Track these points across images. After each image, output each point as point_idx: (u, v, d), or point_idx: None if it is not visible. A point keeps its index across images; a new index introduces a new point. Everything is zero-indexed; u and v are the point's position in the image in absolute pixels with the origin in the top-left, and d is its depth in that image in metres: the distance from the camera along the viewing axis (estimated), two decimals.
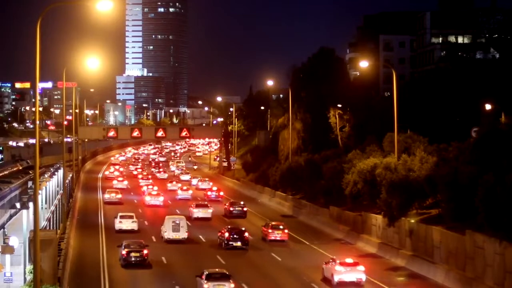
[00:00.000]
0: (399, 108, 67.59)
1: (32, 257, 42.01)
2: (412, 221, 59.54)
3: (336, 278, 52.56)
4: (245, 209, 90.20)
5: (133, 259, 57.97)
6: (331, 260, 54.63)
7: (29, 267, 44.68)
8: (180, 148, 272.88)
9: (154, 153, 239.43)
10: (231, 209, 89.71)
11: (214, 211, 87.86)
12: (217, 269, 51.72)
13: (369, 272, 54.92)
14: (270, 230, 72.48)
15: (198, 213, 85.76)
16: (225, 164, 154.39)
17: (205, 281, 48.52)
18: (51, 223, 62.51)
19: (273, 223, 75.07)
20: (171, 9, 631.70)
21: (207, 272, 49.42)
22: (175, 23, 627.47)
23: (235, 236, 67.51)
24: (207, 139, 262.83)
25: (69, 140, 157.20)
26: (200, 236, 73.77)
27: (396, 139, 68.06)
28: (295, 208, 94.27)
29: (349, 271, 52.73)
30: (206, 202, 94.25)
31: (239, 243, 67.04)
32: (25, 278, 44.77)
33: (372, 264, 59.72)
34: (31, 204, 44.52)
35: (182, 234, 69.95)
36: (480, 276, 48.53)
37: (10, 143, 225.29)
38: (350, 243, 70.72)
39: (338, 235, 75.25)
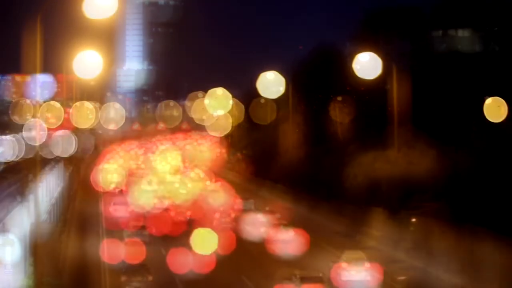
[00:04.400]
0: (399, 101, 67.53)
1: (32, 250, 42.08)
2: (413, 219, 59.57)
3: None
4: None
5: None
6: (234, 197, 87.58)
7: (30, 259, 44.73)
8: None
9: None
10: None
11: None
12: None
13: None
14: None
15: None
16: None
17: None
18: (52, 216, 62.62)
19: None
20: (171, 2, 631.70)
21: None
22: (176, 16, 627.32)
23: None
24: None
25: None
26: None
27: (397, 133, 67.99)
28: (295, 202, 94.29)
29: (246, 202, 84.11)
30: None
31: None
32: (25, 271, 44.80)
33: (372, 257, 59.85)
34: (31, 197, 44.56)
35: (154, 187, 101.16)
36: (480, 269, 48.60)
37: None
38: (350, 236, 70.79)
39: (338, 228, 75.37)
